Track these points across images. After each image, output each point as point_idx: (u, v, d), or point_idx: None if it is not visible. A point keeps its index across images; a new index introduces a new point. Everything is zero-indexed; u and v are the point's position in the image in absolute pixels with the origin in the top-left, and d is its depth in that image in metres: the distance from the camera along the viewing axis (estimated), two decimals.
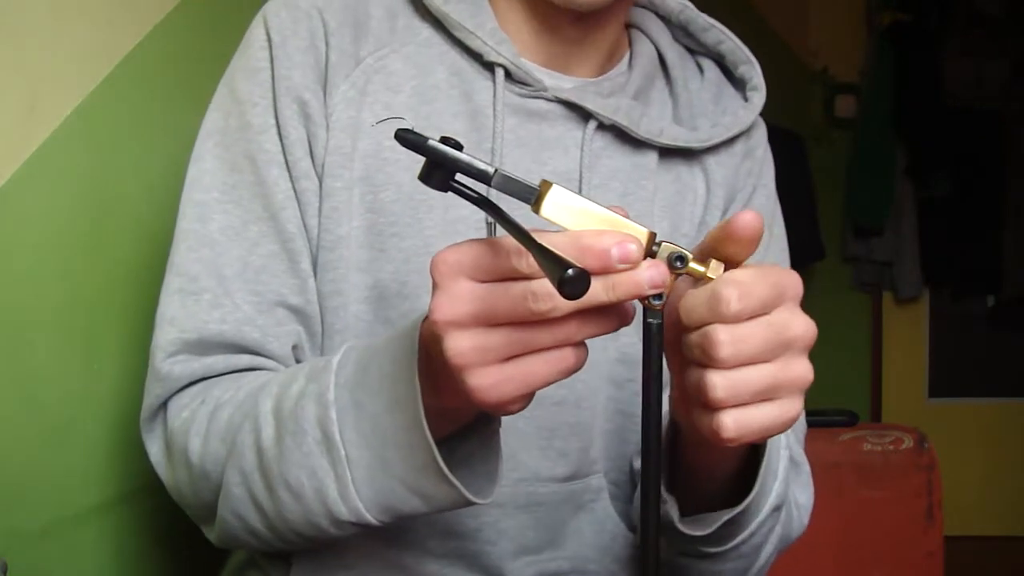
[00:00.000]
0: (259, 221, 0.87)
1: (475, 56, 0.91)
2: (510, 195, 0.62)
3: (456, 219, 0.89)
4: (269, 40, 0.89)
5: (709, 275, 0.63)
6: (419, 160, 0.87)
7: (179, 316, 0.86)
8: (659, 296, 0.63)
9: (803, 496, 0.94)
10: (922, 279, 4.05)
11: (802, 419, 0.98)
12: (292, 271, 0.87)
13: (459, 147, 0.62)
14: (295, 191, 0.88)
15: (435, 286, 0.62)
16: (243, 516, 0.80)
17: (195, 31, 1.19)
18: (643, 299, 0.63)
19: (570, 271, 0.55)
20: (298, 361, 0.88)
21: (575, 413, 0.91)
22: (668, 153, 0.96)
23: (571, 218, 0.61)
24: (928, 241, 3.99)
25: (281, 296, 0.87)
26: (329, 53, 0.89)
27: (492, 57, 0.90)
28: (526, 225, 0.59)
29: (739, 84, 1.01)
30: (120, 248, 1.07)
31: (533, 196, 0.62)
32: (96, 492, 1.04)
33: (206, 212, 0.88)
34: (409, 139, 0.61)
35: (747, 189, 1.00)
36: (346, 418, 0.72)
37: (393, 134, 0.61)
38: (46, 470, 0.98)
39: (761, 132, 1.03)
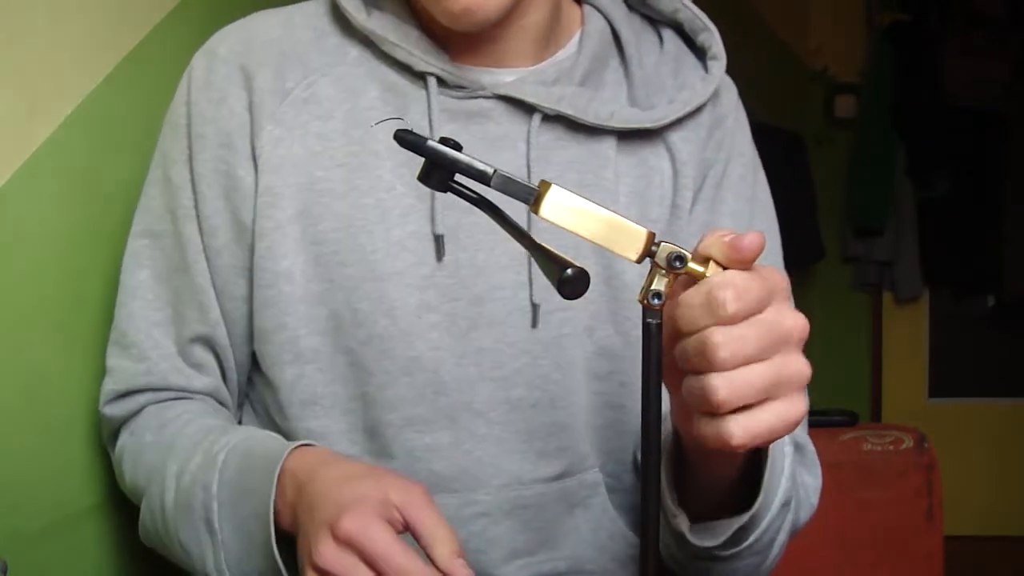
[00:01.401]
0: (178, 272, 0.93)
1: (405, 68, 0.90)
2: (509, 195, 0.62)
3: (402, 237, 0.88)
4: (189, 95, 0.92)
5: (708, 276, 0.63)
6: (354, 187, 0.89)
7: (115, 368, 0.96)
8: (658, 296, 0.63)
9: (810, 477, 0.94)
10: (922, 279, 4.04)
11: None
12: (203, 320, 0.93)
13: (458, 147, 0.62)
14: (203, 245, 0.92)
15: (330, 532, 0.72)
16: (152, 542, 0.94)
17: (195, 31, 1.18)
18: (643, 300, 0.63)
19: (569, 271, 0.55)
20: (219, 401, 0.97)
21: (551, 413, 0.90)
22: (628, 136, 0.93)
23: (570, 218, 0.61)
24: (928, 241, 3.98)
25: (201, 339, 0.94)
26: (251, 97, 0.90)
27: (421, 67, 0.89)
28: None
29: (701, 53, 0.98)
30: (120, 247, 1.06)
31: (532, 196, 0.62)
32: (96, 492, 1.05)
33: (138, 262, 0.95)
34: (408, 140, 0.62)
35: (720, 163, 0.96)
36: (224, 512, 0.84)
37: (393, 135, 0.61)
38: (46, 470, 0.98)
39: (729, 98, 0.99)
